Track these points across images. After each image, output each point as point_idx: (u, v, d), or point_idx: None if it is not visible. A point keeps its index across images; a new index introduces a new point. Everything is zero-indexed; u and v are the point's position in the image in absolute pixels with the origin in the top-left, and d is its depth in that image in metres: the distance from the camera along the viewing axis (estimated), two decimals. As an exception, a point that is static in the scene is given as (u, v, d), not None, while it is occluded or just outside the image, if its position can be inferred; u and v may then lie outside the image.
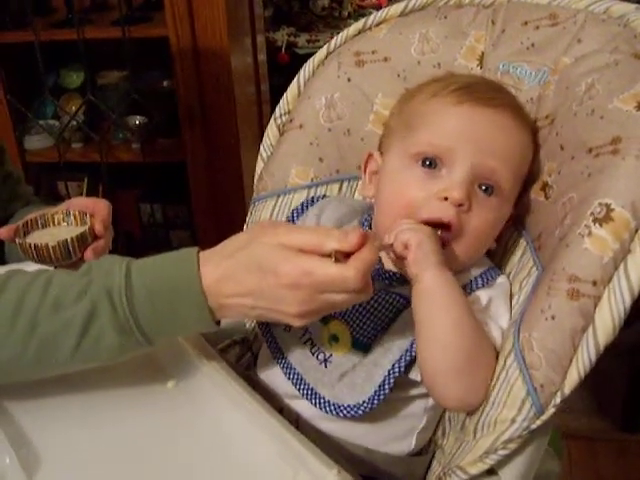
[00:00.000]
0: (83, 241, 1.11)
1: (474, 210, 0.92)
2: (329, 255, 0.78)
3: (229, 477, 0.85)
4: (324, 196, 1.11)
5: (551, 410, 0.80)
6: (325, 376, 0.95)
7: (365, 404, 0.92)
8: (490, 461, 0.83)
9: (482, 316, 0.91)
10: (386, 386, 0.91)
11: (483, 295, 0.93)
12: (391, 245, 0.88)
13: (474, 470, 0.84)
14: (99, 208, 1.18)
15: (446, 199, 0.90)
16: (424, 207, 0.91)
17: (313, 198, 1.10)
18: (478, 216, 0.92)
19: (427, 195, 0.92)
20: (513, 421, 0.82)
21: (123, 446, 0.87)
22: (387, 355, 0.92)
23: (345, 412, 0.93)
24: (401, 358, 0.91)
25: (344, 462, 0.85)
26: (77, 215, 1.16)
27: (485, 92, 0.95)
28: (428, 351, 0.87)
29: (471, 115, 0.93)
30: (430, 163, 0.93)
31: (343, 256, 0.78)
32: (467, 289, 0.94)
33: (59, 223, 1.17)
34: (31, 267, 0.96)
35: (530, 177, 0.98)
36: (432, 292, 0.87)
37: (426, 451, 1.00)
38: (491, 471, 0.84)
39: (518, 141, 0.95)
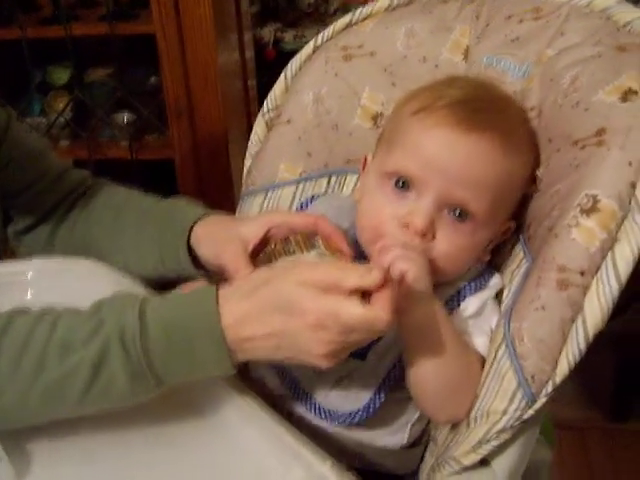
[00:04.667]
0: None
1: (440, 236, 0.89)
2: (352, 291, 0.75)
3: (221, 471, 0.85)
4: (313, 197, 1.11)
5: (543, 399, 0.81)
6: (320, 382, 0.95)
7: (360, 412, 0.92)
8: (483, 451, 0.83)
9: (472, 323, 0.92)
10: (381, 394, 0.92)
11: (475, 301, 0.93)
12: (387, 269, 0.84)
13: (467, 461, 0.84)
14: (323, 227, 0.96)
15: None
16: (389, 232, 0.90)
17: (305, 202, 1.10)
18: (446, 242, 0.89)
19: (393, 217, 0.90)
20: (505, 412, 0.82)
21: (113, 449, 0.87)
22: (382, 363, 0.93)
23: (340, 420, 0.93)
24: (395, 367, 0.92)
25: (337, 455, 0.84)
26: (300, 241, 0.94)
27: (473, 112, 0.89)
28: (417, 379, 0.88)
29: (448, 141, 0.87)
30: (403, 184, 0.90)
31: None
32: (460, 296, 0.93)
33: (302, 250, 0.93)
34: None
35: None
36: (421, 327, 0.86)
37: (419, 443, 1.00)
38: (484, 461, 0.85)
39: (501, 169, 0.89)
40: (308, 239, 0.93)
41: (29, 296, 1.12)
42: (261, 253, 0.96)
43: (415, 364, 0.87)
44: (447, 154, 0.87)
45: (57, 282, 1.13)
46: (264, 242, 0.97)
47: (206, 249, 1.02)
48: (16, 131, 1.19)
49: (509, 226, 0.95)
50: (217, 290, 0.82)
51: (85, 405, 0.82)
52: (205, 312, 0.80)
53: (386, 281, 0.76)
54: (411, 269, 0.84)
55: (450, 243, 0.89)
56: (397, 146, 0.93)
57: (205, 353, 0.81)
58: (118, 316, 0.81)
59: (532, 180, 0.95)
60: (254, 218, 1.03)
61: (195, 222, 1.04)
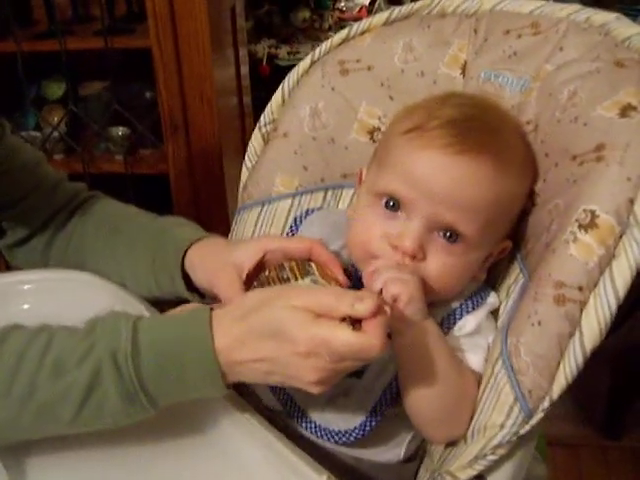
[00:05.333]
0: None
1: (431, 257, 0.88)
2: (344, 318, 0.75)
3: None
4: (308, 211, 1.10)
5: (540, 415, 0.81)
6: (314, 399, 0.93)
7: (357, 430, 0.92)
8: (479, 467, 0.83)
9: (468, 341, 0.92)
10: (378, 413, 0.92)
11: (472, 319, 0.92)
12: (380, 292, 0.84)
13: (463, 476, 0.84)
14: (319, 253, 0.95)
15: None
16: (379, 251, 0.89)
17: (300, 216, 1.10)
18: (437, 263, 0.88)
19: (383, 237, 0.89)
20: (502, 426, 0.82)
21: (112, 462, 0.87)
22: (379, 381, 0.92)
23: (336, 438, 0.93)
24: (392, 384, 0.91)
25: (332, 469, 0.84)
26: (295, 267, 0.92)
27: (466, 133, 0.87)
28: (412, 401, 0.88)
29: (437, 164, 0.86)
30: (393, 204, 0.89)
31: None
32: (456, 314, 0.93)
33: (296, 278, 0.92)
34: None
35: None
36: (416, 348, 0.85)
37: (415, 457, 1.00)
38: (479, 476, 0.85)
39: (493, 191, 0.87)
40: (303, 265, 0.92)
41: (26, 307, 1.12)
42: (255, 280, 0.94)
43: (410, 386, 0.87)
44: (436, 177, 0.86)
45: (54, 294, 1.13)
46: (259, 268, 0.96)
47: (201, 275, 1.01)
48: (10, 142, 1.18)
49: (505, 246, 0.95)
50: (211, 311, 0.82)
51: (78, 425, 0.82)
52: (198, 335, 0.80)
53: (378, 308, 0.75)
54: (404, 292, 0.83)
55: (441, 264, 0.88)
56: (388, 166, 0.92)
57: (197, 375, 0.81)
58: (111, 337, 0.81)
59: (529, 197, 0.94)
60: (248, 243, 1.01)
61: (189, 247, 1.04)
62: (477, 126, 0.90)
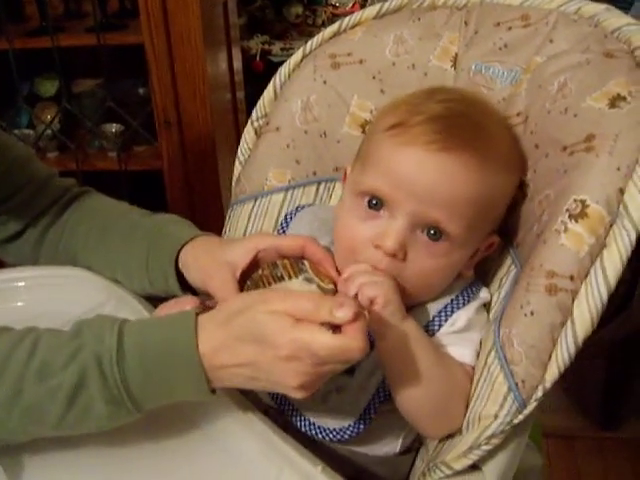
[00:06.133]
0: None
1: (412, 257, 0.87)
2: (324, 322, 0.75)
3: (212, 476, 0.85)
4: (298, 208, 1.10)
5: (533, 404, 0.81)
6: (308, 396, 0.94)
7: (351, 428, 0.92)
8: (474, 456, 0.84)
9: (460, 336, 0.92)
10: (371, 411, 0.92)
11: (463, 315, 0.92)
12: (355, 295, 0.83)
13: (458, 465, 0.84)
14: (312, 251, 0.94)
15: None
16: (361, 253, 0.89)
17: (290, 213, 1.10)
18: (417, 263, 0.88)
19: (366, 237, 0.89)
20: (496, 416, 0.82)
21: (104, 449, 0.87)
22: (371, 379, 0.92)
23: (331, 436, 0.93)
24: (385, 382, 0.91)
25: (328, 462, 0.85)
26: (288, 265, 0.91)
27: (449, 130, 0.86)
28: (403, 401, 0.89)
29: (420, 161, 0.85)
30: (376, 203, 0.89)
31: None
32: (447, 310, 0.93)
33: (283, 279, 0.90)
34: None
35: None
36: (398, 350, 0.85)
37: (411, 449, 1.00)
38: (474, 466, 0.85)
39: (477, 188, 0.86)
40: (296, 263, 0.91)
41: (20, 305, 1.12)
42: (248, 280, 0.94)
43: (398, 387, 0.88)
44: (419, 175, 0.85)
45: (48, 291, 1.13)
46: (252, 266, 0.96)
47: (194, 274, 1.01)
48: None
49: (492, 241, 0.94)
50: (197, 315, 0.82)
51: (64, 428, 0.82)
52: (183, 340, 0.80)
53: (357, 313, 0.74)
54: (379, 294, 0.83)
55: (421, 264, 0.88)
56: (371, 164, 0.91)
57: (182, 381, 0.81)
58: (96, 341, 0.81)
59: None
60: (241, 242, 1.00)
61: (183, 245, 1.03)
62: (462, 122, 0.89)
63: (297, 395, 0.79)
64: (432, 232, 0.87)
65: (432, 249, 0.87)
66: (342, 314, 0.74)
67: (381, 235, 0.87)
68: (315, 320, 0.75)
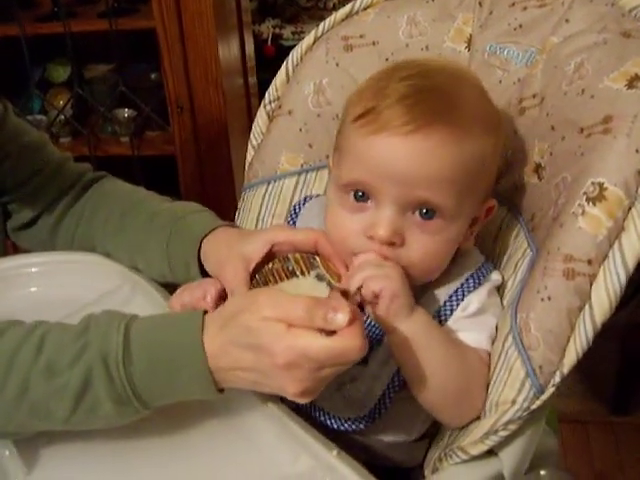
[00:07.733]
0: None
1: (410, 240, 0.86)
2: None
3: (230, 461, 0.85)
4: (306, 199, 1.10)
5: (551, 390, 0.81)
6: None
7: (366, 417, 0.92)
8: (490, 442, 0.83)
9: (474, 320, 0.91)
10: (387, 400, 0.91)
11: (475, 298, 0.91)
12: (359, 289, 0.82)
13: (475, 451, 0.84)
14: (323, 246, 0.94)
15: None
16: (356, 245, 0.88)
17: (299, 203, 1.09)
18: (417, 244, 0.86)
19: (357, 229, 0.88)
20: (514, 402, 0.82)
21: (119, 438, 0.87)
22: (385, 368, 0.91)
23: (346, 425, 0.92)
24: (399, 369, 0.90)
25: (343, 449, 0.84)
26: (300, 260, 0.92)
27: (419, 107, 0.83)
28: (419, 393, 0.88)
29: (395, 146, 0.83)
30: (362, 195, 0.87)
31: None
32: (458, 294, 0.91)
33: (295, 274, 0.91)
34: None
35: (520, 160, 0.97)
36: (411, 342, 0.84)
37: (426, 435, 0.99)
38: (490, 451, 0.85)
39: (458, 159, 0.84)
40: (307, 258, 0.91)
41: (33, 290, 1.12)
42: (257, 273, 0.94)
43: (413, 379, 0.87)
44: (396, 161, 0.83)
45: (61, 277, 1.13)
46: (266, 260, 0.95)
47: (211, 265, 1.01)
48: (13, 124, 1.18)
49: (490, 205, 0.93)
50: (205, 314, 0.82)
51: (73, 424, 0.82)
52: (189, 340, 0.80)
53: (352, 317, 0.73)
54: (386, 287, 0.82)
55: (420, 245, 0.86)
56: (348, 155, 0.89)
57: (189, 380, 0.80)
58: (103, 339, 0.80)
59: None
60: (257, 235, 0.99)
61: (206, 235, 1.03)
62: (429, 97, 0.86)
63: (300, 401, 0.78)
64: (424, 211, 0.85)
65: (427, 228, 0.86)
66: (338, 321, 0.73)
67: (372, 225, 0.86)
68: (309, 326, 0.74)
